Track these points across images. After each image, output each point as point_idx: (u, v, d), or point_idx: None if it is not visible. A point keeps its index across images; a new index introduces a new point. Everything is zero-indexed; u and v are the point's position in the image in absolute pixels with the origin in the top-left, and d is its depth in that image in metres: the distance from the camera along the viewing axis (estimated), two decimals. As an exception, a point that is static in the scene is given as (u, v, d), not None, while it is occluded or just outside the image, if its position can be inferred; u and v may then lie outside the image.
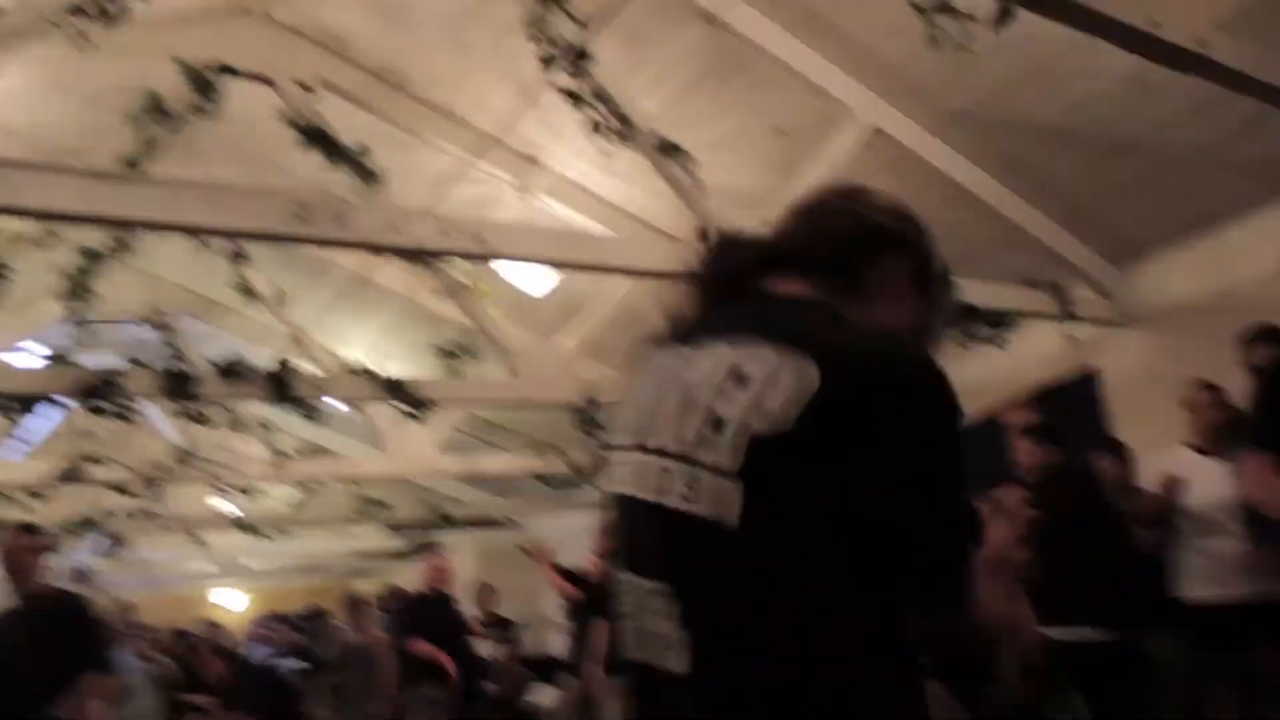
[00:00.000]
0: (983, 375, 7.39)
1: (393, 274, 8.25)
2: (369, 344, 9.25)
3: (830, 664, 1.36)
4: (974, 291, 6.22)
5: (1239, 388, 4.85)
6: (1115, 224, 6.41)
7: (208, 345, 7.36)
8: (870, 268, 1.63)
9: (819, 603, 1.37)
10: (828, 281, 1.60)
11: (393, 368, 7.31)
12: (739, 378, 1.44)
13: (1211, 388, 5.10)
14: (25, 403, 5.90)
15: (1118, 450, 5.60)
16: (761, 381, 1.41)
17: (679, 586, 1.44)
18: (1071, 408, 7.02)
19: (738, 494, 1.38)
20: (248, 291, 7.74)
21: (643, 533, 1.51)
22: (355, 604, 9.65)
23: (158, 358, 6.28)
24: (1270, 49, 4.37)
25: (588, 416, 7.55)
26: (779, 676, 1.35)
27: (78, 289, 6.64)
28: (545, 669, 8.98)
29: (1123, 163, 6.03)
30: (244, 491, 9.31)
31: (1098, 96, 5.68)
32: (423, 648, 7.66)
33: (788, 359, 1.40)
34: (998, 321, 6.42)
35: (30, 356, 6.79)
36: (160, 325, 7.98)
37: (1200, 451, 5.03)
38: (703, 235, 5.39)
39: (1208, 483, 4.88)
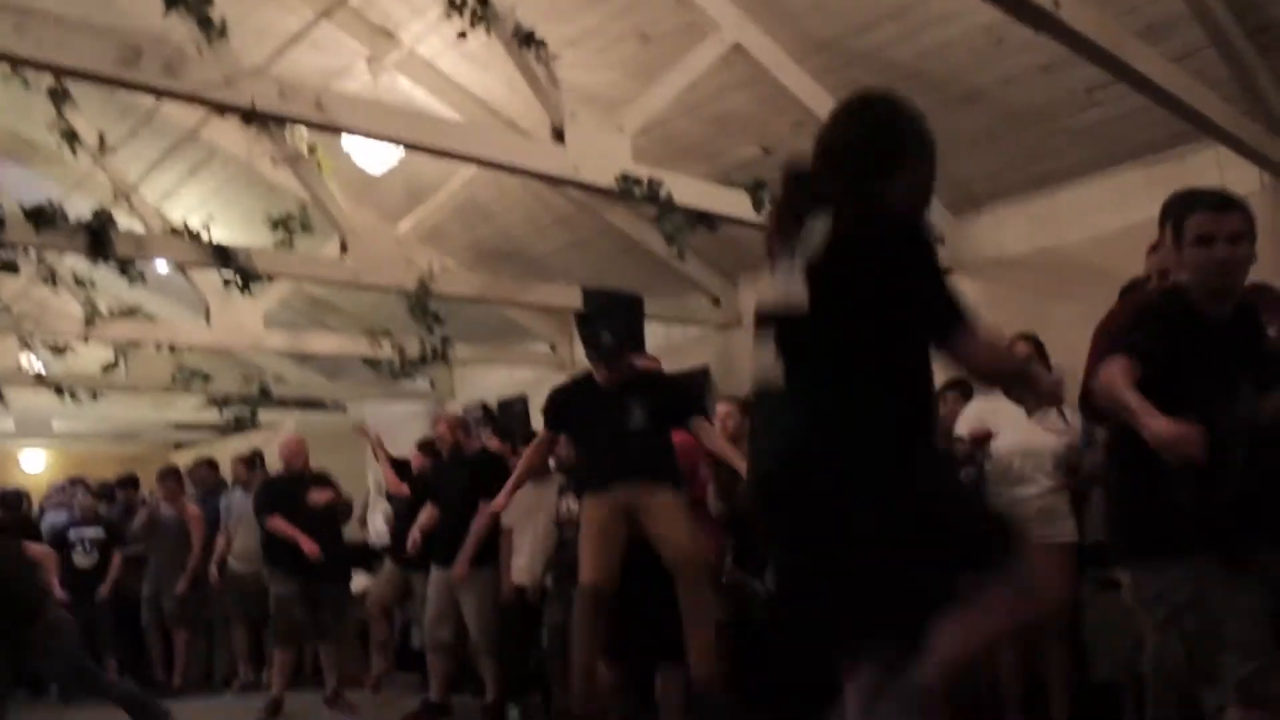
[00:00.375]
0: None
1: (229, 135, 7.88)
2: (198, 206, 8.88)
3: (859, 389, 2.43)
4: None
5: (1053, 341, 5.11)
6: (958, 173, 6.57)
7: (20, 189, 6.89)
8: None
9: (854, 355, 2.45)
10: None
11: (222, 234, 7.03)
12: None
13: (1030, 339, 5.22)
14: None
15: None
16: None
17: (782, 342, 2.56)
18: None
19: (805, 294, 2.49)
20: (69, 136, 7.29)
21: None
22: (168, 475, 9.40)
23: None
24: (1115, 16, 4.51)
25: (421, 303, 7.43)
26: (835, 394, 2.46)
27: None
28: (362, 557, 8.92)
29: (971, 113, 6.16)
30: (54, 349, 8.87)
31: (954, 43, 5.78)
32: (280, 526, 7.53)
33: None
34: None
35: None
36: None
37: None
38: (555, 133, 5.32)
39: (1015, 431, 5.01)
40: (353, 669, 9.15)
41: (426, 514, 7.04)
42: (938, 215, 6.84)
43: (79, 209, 6.15)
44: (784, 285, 2.57)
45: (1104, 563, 4.42)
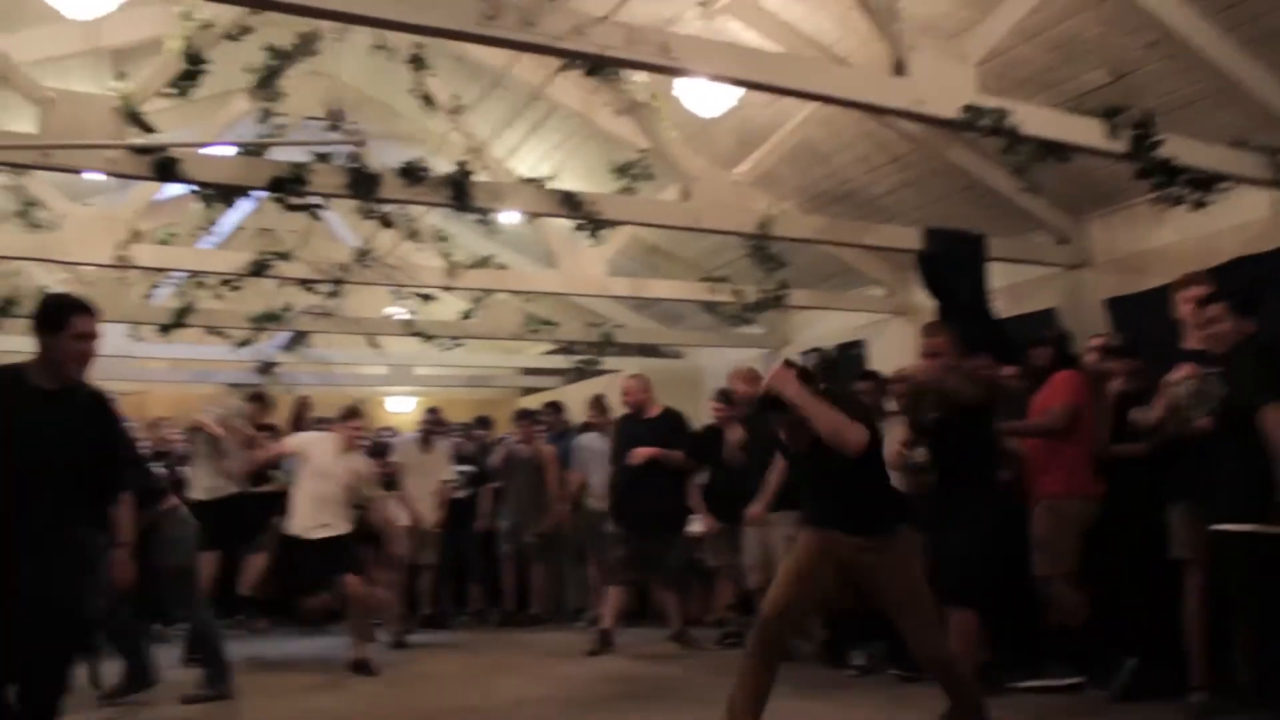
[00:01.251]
0: (1175, 241, 7.02)
1: (569, 92, 8.21)
2: (542, 161, 9.29)
3: None
4: (1178, 148, 5.82)
5: None
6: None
7: (385, 152, 7.46)
8: None
9: None
10: None
11: (567, 186, 7.32)
12: None
13: None
14: (223, 193, 6.16)
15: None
16: None
17: None
18: (1273, 282, 6.61)
19: None
20: (426, 99, 7.81)
21: None
22: (523, 415, 9.90)
23: (340, 159, 6.41)
24: None
25: (761, 245, 7.47)
26: None
27: (266, 86, 6.77)
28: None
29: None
30: (420, 297, 9.58)
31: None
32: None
33: None
34: (1202, 183, 6.00)
35: (223, 150, 7.01)
36: (342, 126, 8.11)
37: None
38: (896, 66, 5.17)
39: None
40: (694, 609, 9.45)
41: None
42: None
43: (438, 169, 6.57)
44: None
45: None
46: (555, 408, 10.44)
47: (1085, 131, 5.69)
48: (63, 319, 3.89)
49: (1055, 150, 5.70)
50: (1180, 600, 5.11)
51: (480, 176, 7.11)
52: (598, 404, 9.54)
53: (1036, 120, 5.55)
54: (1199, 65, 6.07)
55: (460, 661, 7.43)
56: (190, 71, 5.72)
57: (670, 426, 7.93)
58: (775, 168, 8.02)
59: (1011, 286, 8.51)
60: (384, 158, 6.74)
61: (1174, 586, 5.16)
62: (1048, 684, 5.65)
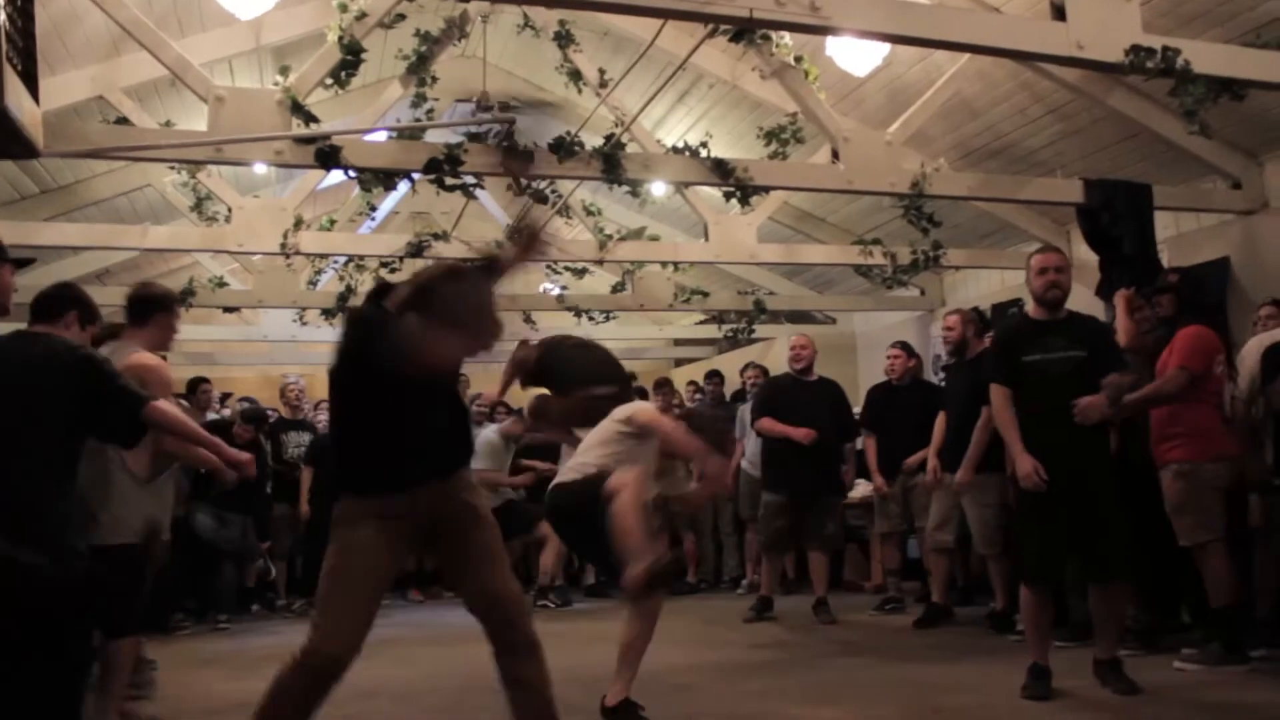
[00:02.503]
0: None
1: (716, 58, 8.17)
2: (691, 130, 9.29)
3: None
4: None
5: None
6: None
7: (535, 133, 7.58)
8: None
9: None
10: None
11: (716, 153, 7.31)
12: None
13: None
14: (382, 177, 6.35)
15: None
16: None
17: None
18: None
19: None
20: (574, 75, 7.88)
21: None
22: (662, 384, 9.89)
23: (492, 138, 6.54)
24: None
25: (915, 205, 7.33)
26: None
27: (418, 71, 6.93)
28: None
29: None
30: (572, 272, 9.71)
31: None
32: (768, 426, 7.76)
33: None
34: None
35: (379, 135, 7.23)
36: (493, 107, 8.27)
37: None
38: (1055, 9, 4.99)
39: None
40: (854, 575, 9.38)
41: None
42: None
43: (588, 144, 6.63)
44: None
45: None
46: (715, 376, 10.46)
47: (1266, 66, 5.39)
48: None
49: (1230, 88, 5.41)
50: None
51: (630, 148, 7.16)
52: (757, 371, 9.54)
53: (1208, 57, 5.27)
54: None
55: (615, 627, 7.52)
56: (348, 62, 5.88)
57: (833, 391, 7.93)
58: (927, 125, 7.83)
59: (1181, 235, 8.17)
60: (534, 136, 6.84)
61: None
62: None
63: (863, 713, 4.63)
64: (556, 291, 10.62)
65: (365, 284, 9.32)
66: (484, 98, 8.32)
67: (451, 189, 6.42)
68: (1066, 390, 4.75)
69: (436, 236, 8.34)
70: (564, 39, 7.72)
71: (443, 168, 6.11)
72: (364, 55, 5.92)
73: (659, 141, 8.20)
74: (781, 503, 7.67)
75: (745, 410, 9.14)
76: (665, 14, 4.54)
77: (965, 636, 6.61)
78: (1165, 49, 5.05)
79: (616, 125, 7.52)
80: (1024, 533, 4.99)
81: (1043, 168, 8.31)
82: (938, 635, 6.73)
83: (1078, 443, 4.74)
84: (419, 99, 7.48)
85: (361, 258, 9.45)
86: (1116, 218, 7.18)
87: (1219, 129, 6.91)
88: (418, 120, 7.39)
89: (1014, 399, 4.86)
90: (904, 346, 8.05)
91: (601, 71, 7.93)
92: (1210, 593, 5.23)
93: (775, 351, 12.45)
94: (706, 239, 8.55)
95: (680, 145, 7.02)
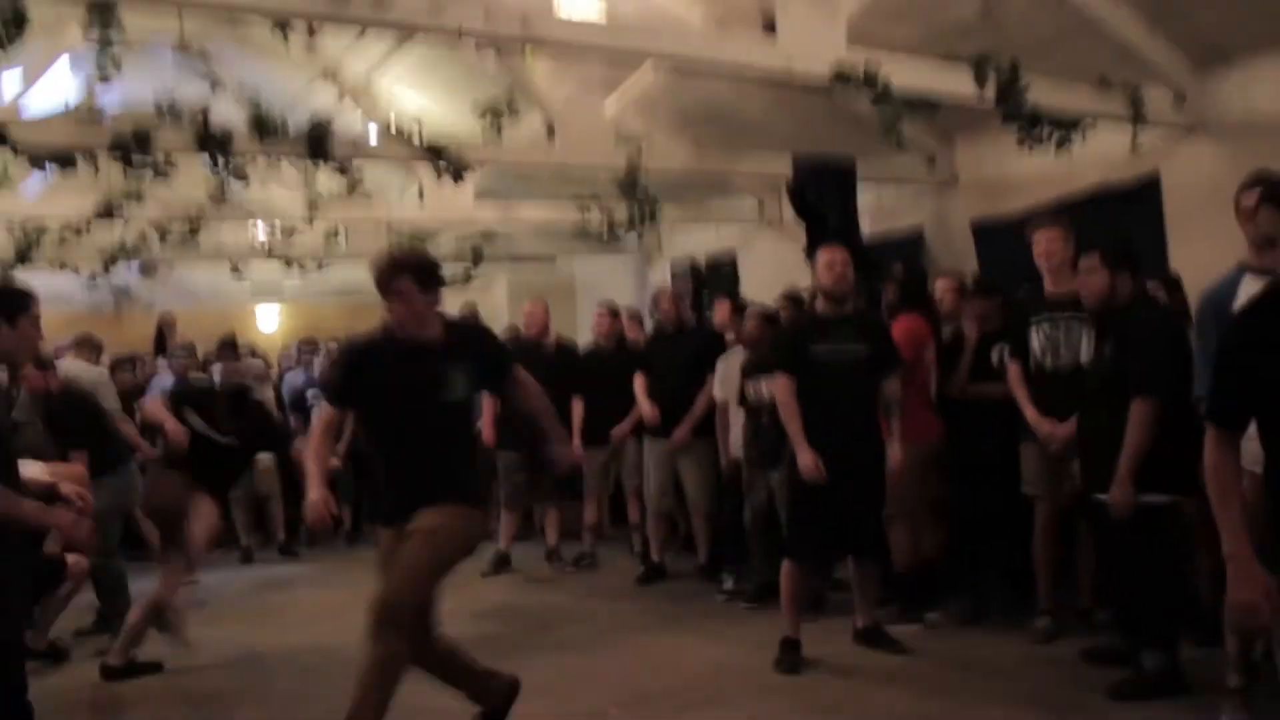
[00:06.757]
0: (1038, 166, 7.12)
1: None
2: (408, 92, 8.97)
3: None
4: (1042, 92, 5.91)
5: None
6: (1202, 23, 5.98)
7: (247, 75, 7.06)
8: None
9: None
10: None
11: (432, 111, 7.07)
12: None
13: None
14: (59, 159, 5.77)
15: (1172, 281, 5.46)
16: None
17: None
18: (1129, 213, 6.80)
19: None
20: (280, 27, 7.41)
21: None
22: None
23: (194, 92, 6.06)
24: None
25: (631, 181, 7.38)
26: None
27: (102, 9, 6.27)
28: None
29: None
30: (283, 232, 9.29)
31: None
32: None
33: None
34: (1065, 125, 6.11)
35: (57, 97, 6.56)
36: (195, 53, 7.63)
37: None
38: (766, 24, 5.09)
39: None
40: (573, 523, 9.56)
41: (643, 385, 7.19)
42: (1176, 70, 6.31)
43: (298, 93, 6.20)
44: None
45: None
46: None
47: (954, 82, 5.73)
48: None
49: (924, 105, 5.72)
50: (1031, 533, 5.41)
51: (344, 108, 6.84)
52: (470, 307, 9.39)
53: (908, 72, 5.55)
54: (1060, 2, 6.10)
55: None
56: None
57: (565, 356, 7.87)
58: (646, 91, 7.87)
59: (880, 203, 8.61)
60: (244, 78, 6.37)
61: (1027, 520, 5.44)
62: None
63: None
64: (267, 244, 10.08)
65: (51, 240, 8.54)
66: (184, 43, 7.61)
67: (141, 168, 5.94)
68: (850, 382, 5.09)
69: (131, 197, 7.64)
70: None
71: (130, 148, 5.65)
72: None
73: (374, 100, 7.89)
74: (515, 459, 7.71)
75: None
76: (372, 23, 4.33)
77: (679, 601, 6.84)
78: (868, 68, 5.25)
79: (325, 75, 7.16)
80: (796, 516, 5.31)
81: (757, 133, 8.50)
82: (657, 598, 6.97)
83: (855, 435, 5.09)
84: (103, 44, 6.77)
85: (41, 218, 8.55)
86: (822, 193, 7.49)
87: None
88: (101, 72, 6.68)
89: (799, 389, 5.12)
90: (610, 308, 8.10)
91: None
92: (895, 559, 5.73)
93: (493, 292, 12.43)
94: (422, 201, 8.33)
95: (394, 122, 6.77)
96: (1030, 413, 5.18)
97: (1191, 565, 4.84)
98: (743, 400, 6.45)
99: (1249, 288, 3.89)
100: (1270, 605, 2.40)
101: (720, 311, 7.55)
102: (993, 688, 4.76)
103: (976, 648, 5.36)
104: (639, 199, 7.65)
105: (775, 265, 9.14)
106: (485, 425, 7.62)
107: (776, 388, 5.24)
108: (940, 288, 6.35)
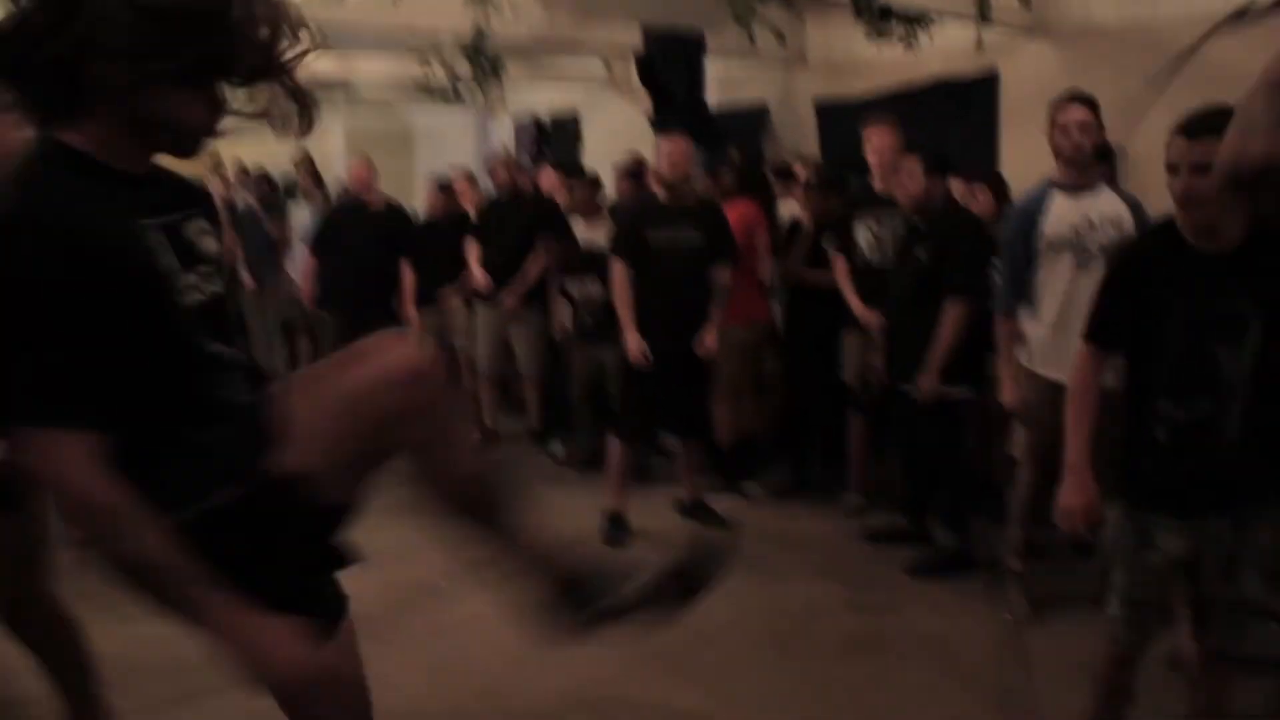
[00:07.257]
0: (886, 55, 7.24)
1: None
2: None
3: None
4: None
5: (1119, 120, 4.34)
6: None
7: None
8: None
9: None
10: None
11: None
12: None
13: (1087, 102, 4.17)
14: None
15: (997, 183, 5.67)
16: None
17: None
18: (967, 106, 7.03)
19: None
20: None
21: None
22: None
23: None
24: None
25: (476, 50, 7.17)
26: None
27: None
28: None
29: None
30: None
31: None
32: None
33: None
34: (913, 20, 6.21)
35: None
36: None
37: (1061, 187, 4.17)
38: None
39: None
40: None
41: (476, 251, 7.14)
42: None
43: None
44: None
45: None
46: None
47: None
48: None
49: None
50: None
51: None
52: (309, 167, 8.95)
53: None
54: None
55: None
56: None
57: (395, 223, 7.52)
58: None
59: (728, 74, 8.61)
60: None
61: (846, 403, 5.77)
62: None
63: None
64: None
65: None
66: None
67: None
68: (684, 269, 5.23)
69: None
70: None
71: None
72: None
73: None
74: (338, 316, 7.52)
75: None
76: None
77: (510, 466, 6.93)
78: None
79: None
80: (626, 396, 5.47)
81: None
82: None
83: (686, 321, 5.25)
84: None
85: None
86: (671, 67, 7.46)
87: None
88: None
89: (633, 274, 5.24)
90: (441, 182, 7.99)
91: None
92: (717, 434, 6.00)
93: (328, 139, 11.94)
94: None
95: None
96: (855, 303, 5.41)
97: (989, 452, 5.22)
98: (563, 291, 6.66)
99: (1057, 204, 4.12)
100: (1091, 515, 2.71)
101: (546, 179, 7.61)
102: (798, 559, 5.15)
103: (789, 519, 5.73)
104: (483, 62, 7.44)
105: (620, 128, 9.11)
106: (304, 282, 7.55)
107: (613, 272, 5.32)
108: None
